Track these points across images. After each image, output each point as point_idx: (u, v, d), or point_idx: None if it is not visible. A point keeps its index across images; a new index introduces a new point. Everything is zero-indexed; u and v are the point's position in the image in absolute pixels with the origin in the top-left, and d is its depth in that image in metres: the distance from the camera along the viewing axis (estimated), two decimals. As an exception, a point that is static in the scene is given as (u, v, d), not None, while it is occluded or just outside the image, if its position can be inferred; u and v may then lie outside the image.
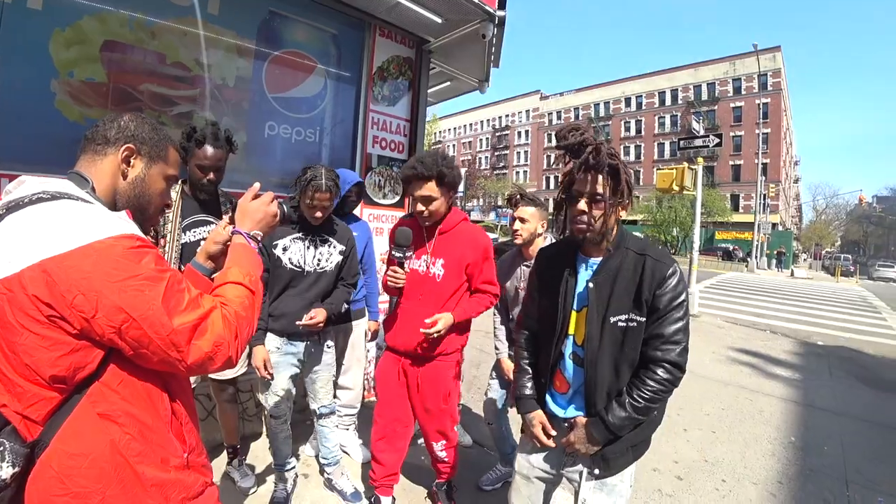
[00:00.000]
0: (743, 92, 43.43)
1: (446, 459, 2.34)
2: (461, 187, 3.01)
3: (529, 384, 1.72)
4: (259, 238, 1.24)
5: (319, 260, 2.36)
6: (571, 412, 1.60)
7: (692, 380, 5.14)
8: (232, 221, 1.27)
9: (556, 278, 1.61)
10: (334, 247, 2.41)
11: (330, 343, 2.53)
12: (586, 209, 1.46)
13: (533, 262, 1.85)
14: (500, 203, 57.31)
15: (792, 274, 27.54)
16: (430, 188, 2.05)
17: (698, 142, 11.15)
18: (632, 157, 51.48)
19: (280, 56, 3.29)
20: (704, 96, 46.02)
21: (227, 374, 2.48)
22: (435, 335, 2.06)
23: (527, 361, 1.75)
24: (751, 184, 37.84)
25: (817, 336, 8.46)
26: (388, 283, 2.15)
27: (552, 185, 58.10)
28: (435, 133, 46.81)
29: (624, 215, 1.53)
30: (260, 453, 2.98)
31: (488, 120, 66.84)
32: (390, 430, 2.28)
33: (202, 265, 1.23)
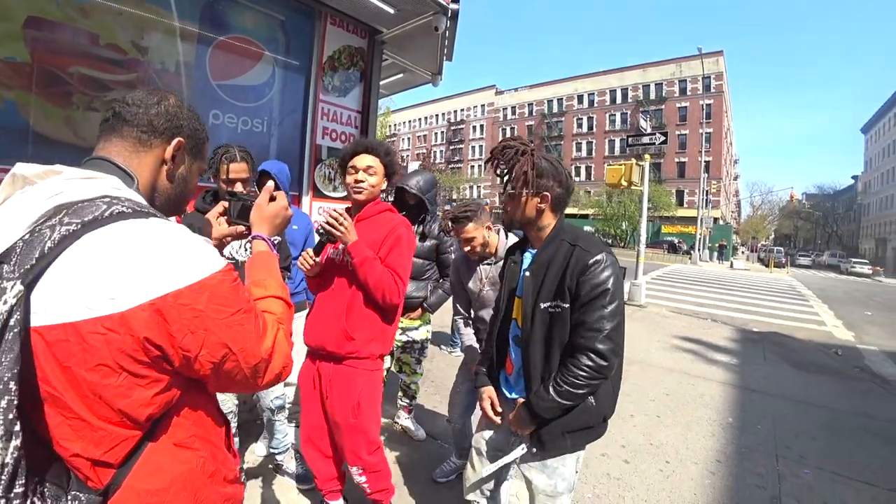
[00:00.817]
0: (688, 93, 45.47)
1: (366, 488, 2.02)
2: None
3: (485, 362, 1.84)
4: (276, 243, 1.19)
5: (248, 248, 2.29)
6: (517, 393, 1.69)
7: (639, 367, 5.36)
8: (224, 213, 1.25)
9: (511, 267, 1.76)
10: None
11: None
12: (507, 201, 1.65)
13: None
14: (454, 197, 57.63)
15: (731, 265, 29.15)
16: (374, 161, 1.97)
17: (646, 139, 11.55)
18: (584, 153, 52.89)
19: (225, 41, 3.16)
20: (652, 95, 47.85)
21: None
22: (328, 226, 1.82)
23: (491, 343, 1.84)
24: (694, 180, 39.76)
25: (753, 323, 8.99)
26: (300, 267, 1.96)
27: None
28: (389, 126, 46.38)
29: (541, 205, 1.62)
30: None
31: (443, 114, 66.85)
32: (315, 435, 2.06)
33: None
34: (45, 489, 0.71)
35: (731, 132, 57.20)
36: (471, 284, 2.54)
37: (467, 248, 2.41)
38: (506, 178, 1.64)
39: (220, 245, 1.30)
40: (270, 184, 1.22)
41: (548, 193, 1.59)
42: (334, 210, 1.88)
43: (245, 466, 2.55)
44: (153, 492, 0.78)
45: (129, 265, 0.71)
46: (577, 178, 48.64)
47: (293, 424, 3.04)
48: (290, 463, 2.70)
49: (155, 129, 0.89)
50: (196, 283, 0.76)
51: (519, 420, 1.59)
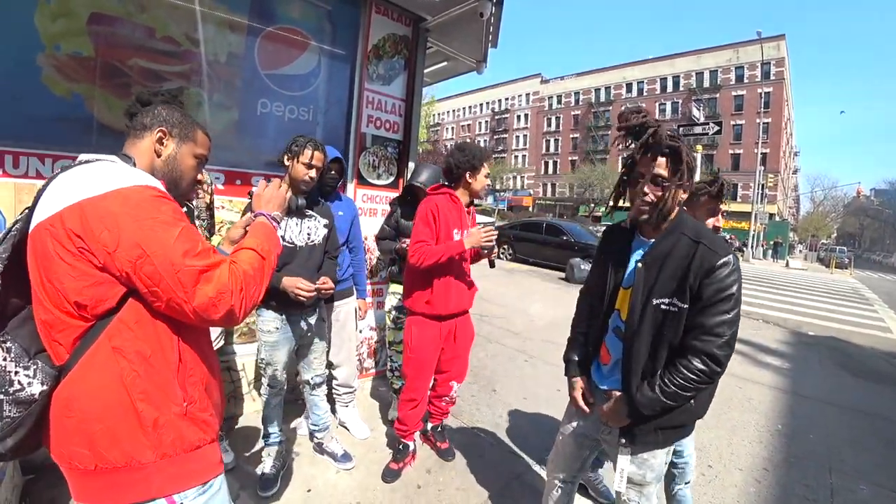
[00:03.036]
0: (745, 80, 43.03)
1: (455, 399, 2.88)
2: None
3: (579, 350, 1.81)
4: (279, 219, 1.39)
5: (309, 234, 2.43)
6: (609, 384, 1.66)
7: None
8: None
9: (611, 255, 1.66)
10: (319, 220, 2.49)
11: (324, 316, 2.66)
12: (648, 191, 1.48)
13: (601, 237, 1.89)
14: (498, 187, 57.19)
15: (787, 264, 27.67)
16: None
17: (698, 129, 11.08)
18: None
19: (273, 32, 3.22)
20: (706, 83, 45.59)
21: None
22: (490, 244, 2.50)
23: (582, 330, 1.82)
24: (750, 173, 37.75)
25: (808, 326, 8.52)
26: (485, 243, 2.45)
27: (550, 170, 57.93)
28: (433, 115, 46.38)
29: (683, 198, 1.52)
30: (241, 434, 2.99)
31: (488, 103, 66.17)
32: (425, 390, 2.66)
33: (225, 251, 1.39)
34: (11, 345, 0.97)
35: (792, 122, 53.98)
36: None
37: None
38: (645, 162, 1.50)
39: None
40: (261, 183, 1.49)
41: (690, 186, 1.52)
42: (490, 229, 2.42)
43: (287, 445, 2.64)
44: (82, 380, 0.97)
45: (78, 183, 0.98)
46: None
47: (348, 406, 3.20)
48: (330, 443, 2.77)
49: (145, 125, 1.19)
50: (114, 190, 0.97)
51: (616, 413, 1.57)
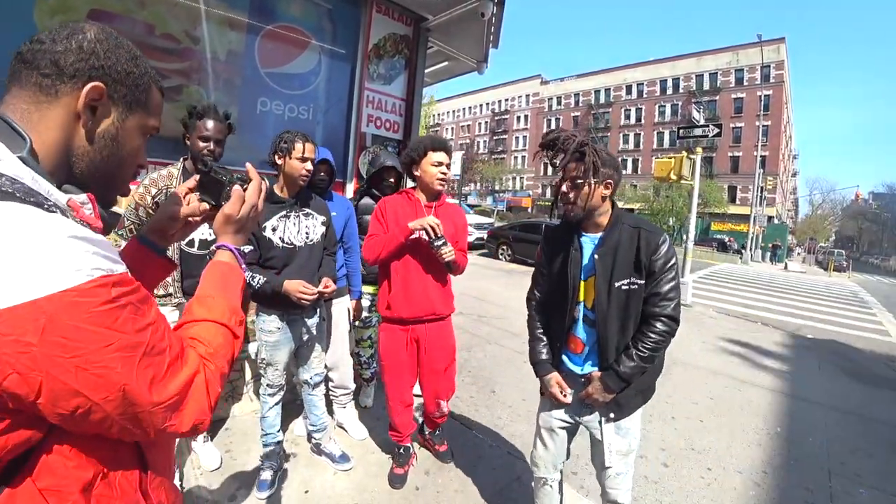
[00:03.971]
0: (745, 83, 43.14)
1: (446, 413, 2.72)
2: (457, 170, 3.14)
3: (545, 350, 1.94)
4: (245, 255, 1.00)
5: (307, 233, 2.40)
6: (588, 368, 1.83)
7: (682, 368, 5.17)
8: (198, 188, 0.99)
9: (562, 254, 1.84)
10: (316, 218, 2.45)
11: (324, 315, 2.65)
12: (566, 190, 1.72)
13: (541, 241, 2.06)
14: (497, 188, 57.23)
15: (786, 267, 27.70)
16: (448, 157, 2.43)
17: (698, 131, 11.05)
18: (631, 146, 51.30)
19: (273, 30, 3.21)
20: (706, 86, 45.69)
21: None
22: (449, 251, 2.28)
23: (540, 331, 1.97)
24: (749, 176, 37.82)
25: (807, 329, 8.51)
26: (445, 258, 2.29)
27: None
28: (433, 115, 46.41)
29: (605, 192, 1.72)
30: (238, 434, 2.97)
31: (488, 103, 66.25)
32: (406, 391, 2.56)
33: (155, 243, 0.98)
34: None
35: (791, 125, 54.09)
36: None
37: None
38: (562, 167, 1.71)
39: (187, 227, 1.02)
40: (242, 189, 0.97)
41: (611, 181, 1.71)
42: (430, 224, 2.23)
43: (285, 446, 2.63)
44: None
45: None
46: (623, 171, 47.20)
47: (346, 407, 3.18)
48: (328, 443, 2.75)
49: (61, 70, 0.65)
50: (25, 304, 0.52)
51: (603, 389, 1.73)
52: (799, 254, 49.14)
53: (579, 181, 1.68)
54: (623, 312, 1.71)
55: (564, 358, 1.89)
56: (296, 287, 2.21)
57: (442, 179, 2.39)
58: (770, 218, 38.26)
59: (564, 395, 1.85)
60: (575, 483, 2.74)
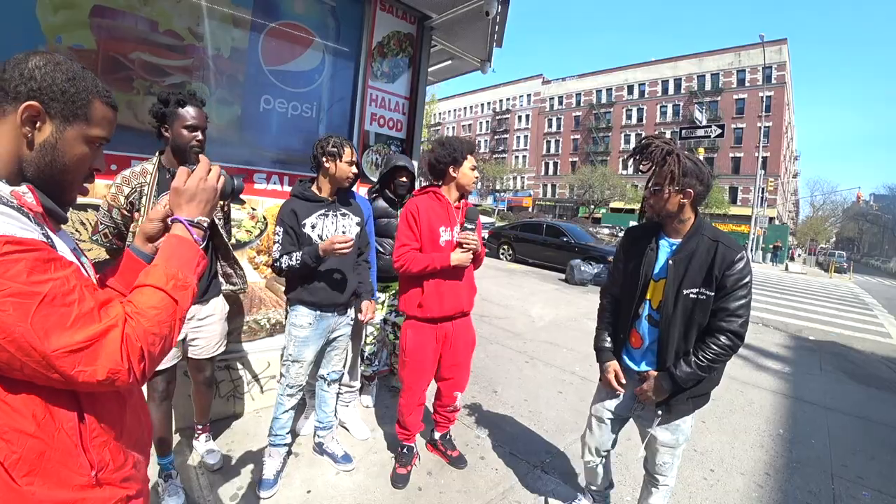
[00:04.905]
0: (747, 84, 43.03)
1: (459, 408, 2.80)
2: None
3: (608, 339, 2.09)
4: (205, 225, 1.03)
5: (345, 232, 2.46)
6: (643, 366, 1.95)
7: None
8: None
9: (639, 252, 1.94)
10: (352, 218, 2.52)
11: (352, 314, 2.66)
12: (647, 196, 1.85)
13: (621, 239, 2.18)
14: (498, 187, 57.16)
15: (786, 268, 27.69)
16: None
17: (700, 132, 11.08)
18: (632, 146, 50.57)
19: (277, 28, 3.19)
20: (708, 87, 45.59)
21: (204, 354, 2.44)
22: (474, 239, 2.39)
23: (608, 320, 2.11)
24: (750, 177, 37.76)
25: (808, 331, 8.51)
26: (464, 245, 2.38)
27: (551, 171, 57.89)
28: (435, 114, 46.33)
29: (684, 201, 1.79)
30: (240, 433, 2.96)
31: (489, 103, 66.14)
32: (424, 391, 2.60)
33: (141, 249, 1.07)
34: None
35: (793, 126, 54.02)
36: None
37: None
38: (650, 174, 1.83)
39: (166, 228, 1.08)
40: (203, 161, 1.06)
41: (691, 191, 1.77)
42: (468, 236, 2.37)
43: (289, 442, 2.61)
44: None
45: None
46: (623, 172, 47.23)
47: (349, 405, 3.17)
48: (330, 443, 2.74)
49: (6, 93, 0.81)
50: None
51: (657, 389, 1.85)
52: (800, 255, 49.12)
53: (657, 188, 1.79)
54: (687, 319, 1.79)
55: (624, 355, 2.03)
56: (330, 243, 2.21)
57: (475, 181, 2.53)
58: (771, 219, 38.22)
59: (620, 384, 2.00)
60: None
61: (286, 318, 2.50)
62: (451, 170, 2.43)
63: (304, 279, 2.38)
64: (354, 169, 2.40)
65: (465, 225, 2.42)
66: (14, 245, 0.70)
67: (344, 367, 2.98)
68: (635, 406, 2.02)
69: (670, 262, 1.81)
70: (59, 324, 0.72)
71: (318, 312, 2.43)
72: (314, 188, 2.44)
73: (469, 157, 2.45)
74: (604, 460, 2.24)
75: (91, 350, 0.74)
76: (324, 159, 2.35)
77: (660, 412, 1.90)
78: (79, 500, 0.82)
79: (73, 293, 0.75)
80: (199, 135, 2.11)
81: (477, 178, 2.51)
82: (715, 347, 1.73)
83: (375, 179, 3.75)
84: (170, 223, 1.01)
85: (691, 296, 1.76)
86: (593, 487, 2.37)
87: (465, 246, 2.38)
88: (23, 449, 0.75)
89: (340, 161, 2.35)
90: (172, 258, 0.93)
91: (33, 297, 0.70)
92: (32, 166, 0.84)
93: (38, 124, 0.83)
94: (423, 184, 2.63)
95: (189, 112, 2.08)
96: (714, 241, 1.77)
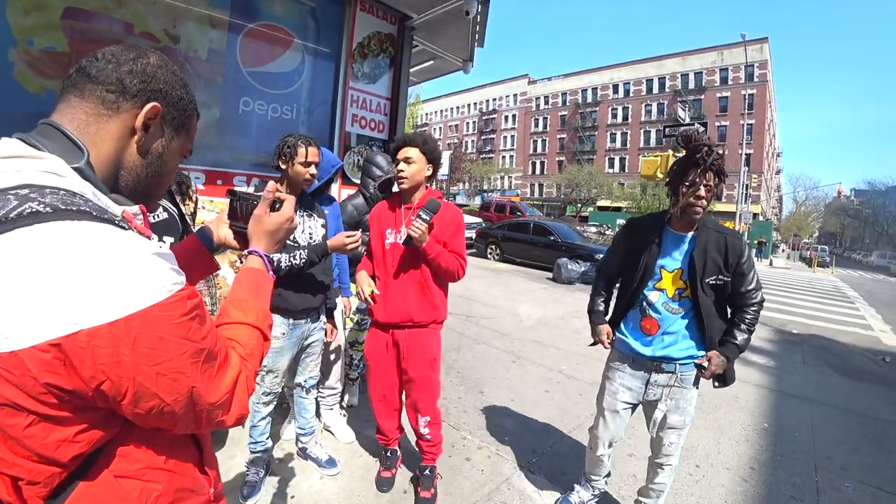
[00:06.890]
0: (730, 82, 43.66)
1: (430, 439, 2.46)
2: (445, 170, 3.08)
3: (602, 304, 2.38)
4: (274, 264, 1.07)
5: (311, 234, 2.40)
6: (658, 352, 2.13)
7: (670, 366, 5.19)
8: (229, 214, 1.09)
9: (642, 243, 2.14)
10: (316, 220, 2.47)
11: (325, 319, 2.63)
12: (704, 195, 1.95)
13: (622, 228, 2.39)
14: (485, 187, 57.26)
15: (771, 263, 28.10)
16: (413, 152, 2.29)
17: (684, 129, 11.16)
18: (618, 144, 51.65)
19: (255, 29, 3.16)
20: (691, 85, 46.18)
21: None
22: (417, 227, 2.12)
23: (602, 287, 2.39)
24: (734, 174, 38.15)
25: (792, 324, 8.63)
26: (410, 232, 2.14)
27: (538, 170, 58.16)
28: (421, 115, 46.24)
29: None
30: (222, 441, 2.92)
31: (475, 103, 66.30)
32: (389, 393, 2.49)
33: (210, 238, 1.10)
34: None
35: (775, 124, 54.80)
36: None
37: (400, 170, 2.44)
38: (695, 174, 1.95)
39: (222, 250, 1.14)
40: (272, 184, 1.08)
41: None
42: (417, 219, 2.13)
43: (269, 447, 2.58)
44: None
45: (31, 289, 0.53)
46: (610, 170, 47.60)
47: (333, 409, 3.14)
48: (314, 448, 2.72)
49: (125, 88, 0.71)
50: (120, 320, 0.57)
51: (722, 361, 2.08)
52: (783, 250, 49.85)
53: (710, 190, 1.97)
54: (718, 302, 2.08)
55: (633, 342, 2.19)
56: (340, 240, 2.24)
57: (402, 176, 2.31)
58: (755, 215, 38.81)
59: (609, 342, 2.28)
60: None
61: None
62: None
63: (275, 285, 2.31)
64: (312, 170, 2.30)
65: (419, 213, 2.15)
66: (192, 300, 0.66)
67: (325, 372, 2.97)
68: (647, 392, 2.20)
69: (693, 255, 2.03)
70: (212, 377, 0.70)
71: (291, 321, 2.38)
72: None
73: (398, 151, 2.30)
74: (611, 452, 2.39)
75: (231, 398, 0.74)
76: (279, 160, 2.29)
77: (716, 383, 2.19)
78: None
79: (217, 343, 0.72)
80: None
81: (399, 171, 2.29)
82: (751, 313, 2.07)
83: (357, 181, 3.73)
84: (247, 254, 1.01)
85: (712, 283, 2.02)
86: (594, 478, 2.47)
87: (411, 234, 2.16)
88: (161, 481, 0.73)
89: (293, 163, 2.26)
90: (260, 294, 0.92)
91: (202, 355, 0.67)
92: (132, 175, 0.75)
93: (151, 130, 0.75)
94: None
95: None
96: (720, 233, 2.04)
